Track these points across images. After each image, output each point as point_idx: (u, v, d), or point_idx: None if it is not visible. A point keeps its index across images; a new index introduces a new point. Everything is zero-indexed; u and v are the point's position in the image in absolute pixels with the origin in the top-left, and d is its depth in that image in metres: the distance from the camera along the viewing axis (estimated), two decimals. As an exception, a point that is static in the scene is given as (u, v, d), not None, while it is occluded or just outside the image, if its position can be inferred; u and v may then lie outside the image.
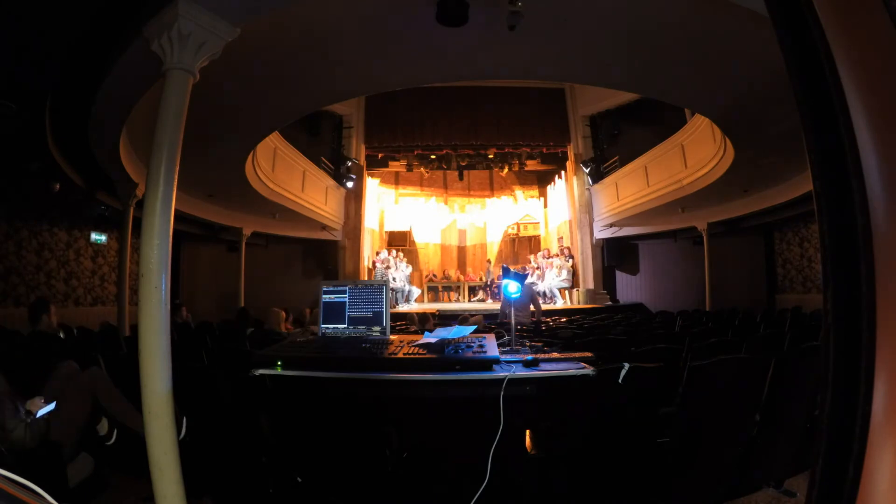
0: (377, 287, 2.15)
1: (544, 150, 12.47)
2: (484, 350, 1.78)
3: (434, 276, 13.58)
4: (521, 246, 14.25)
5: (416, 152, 12.49)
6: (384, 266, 11.20)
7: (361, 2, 3.76)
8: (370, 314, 2.12)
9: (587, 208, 11.64)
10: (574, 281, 11.25)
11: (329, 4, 3.67)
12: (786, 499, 2.33)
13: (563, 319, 6.83)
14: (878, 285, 0.50)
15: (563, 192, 12.47)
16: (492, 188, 15.25)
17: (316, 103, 6.17)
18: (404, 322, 5.57)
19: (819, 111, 0.57)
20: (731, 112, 5.60)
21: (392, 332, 2.19)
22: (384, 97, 10.21)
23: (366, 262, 12.07)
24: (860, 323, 0.51)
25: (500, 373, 1.65)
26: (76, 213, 8.18)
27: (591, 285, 11.24)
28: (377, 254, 12.20)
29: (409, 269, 12.01)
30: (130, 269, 6.64)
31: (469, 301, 12.82)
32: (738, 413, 2.16)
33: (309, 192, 9.77)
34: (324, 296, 2.17)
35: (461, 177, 14.42)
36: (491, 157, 13.00)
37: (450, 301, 12.97)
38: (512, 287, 2.32)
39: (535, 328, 5.02)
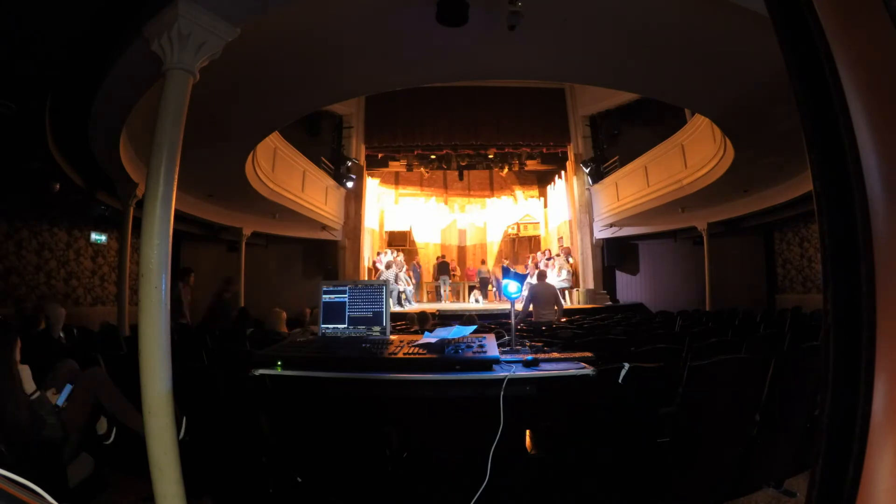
0: (377, 287, 2.15)
1: (544, 150, 12.47)
2: (484, 350, 1.78)
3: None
4: (521, 246, 14.25)
5: (416, 152, 12.49)
6: (398, 269, 11.08)
7: (361, 2, 3.76)
8: (370, 314, 2.12)
9: (587, 208, 11.64)
10: (574, 281, 11.25)
11: (329, 4, 3.67)
12: (786, 499, 2.33)
13: (563, 319, 6.82)
14: (878, 285, 0.50)
15: (563, 192, 12.47)
16: (492, 188, 15.26)
17: (316, 103, 6.18)
18: (404, 322, 5.57)
19: (819, 111, 0.57)
20: (731, 112, 5.60)
21: (392, 332, 2.19)
22: (384, 97, 10.21)
23: (366, 262, 12.07)
24: (860, 323, 0.51)
25: (500, 373, 1.65)
26: (76, 213, 8.18)
27: (591, 285, 11.24)
28: (379, 254, 12.13)
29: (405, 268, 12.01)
30: (130, 269, 6.64)
31: (469, 301, 12.82)
32: (738, 413, 2.16)
33: (309, 192, 9.77)
34: (324, 296, 2.17)
35: (461, 177, 14.43)
36: (491, 157, 13.00)
37: (449, 301, 12.96)
38: (512, 287, 2.32)
39: (535, 328, 5.02)
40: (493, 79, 7.63)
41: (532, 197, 14.70)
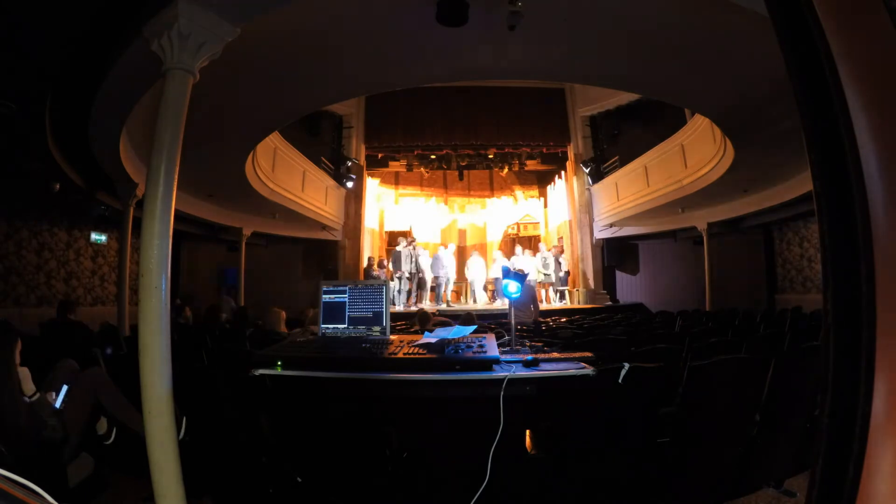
0: (377, 287, 2.15)
1: (544, 150, 12.46)
2: (484, 350, 1.78)
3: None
4: (522, 246, 14.22)
5: (416, 152, 12.48)
6: (412, 248, 10.46)
7: (361, 2, 3.76)
8: (370, 314, 2.12)
9: (587, 208, 11.63)
10: (566, 280, 11.05)
11: (329, 4, 3.67)
12: (786, 499, 2.33)
13: (563, 319, 6.83)
14: (878, 285, 0.50)
15: (563, 192, 12.47)
16: (492, 188, 15.24)
17: (316, 103, 6.18)
18: (404, 322, 5.57)
19: (819, 111, 0.57)
20: (731, 112, 5.60)
21: (392, 332, 2.19)
22: (384, 97, 10.19)
23: (366, 262, 12.06)
24: (860, 323, 0.51)
25: (500, 373, 1.65)
26: (76, 213, 8.19)
27: (591, 285, 11.23)
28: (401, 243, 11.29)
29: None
30: (130, 269, 6.65)
31: (470, 301, 12.80)
32: (738, 413, 2.16)
33: (309, 192, 9.77)
34: (324, 296, 2.17)
35: (461, 177, 14.42)
36: (491, 157, 12.99)
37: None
38: (512, 287, 2.32)
39: (535, 328, 5.02)
40: (493, 79, 7.62)
41: (532, 197, 14.69)
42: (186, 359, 2.69)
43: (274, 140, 8.05)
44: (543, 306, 10.39)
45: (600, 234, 11.47)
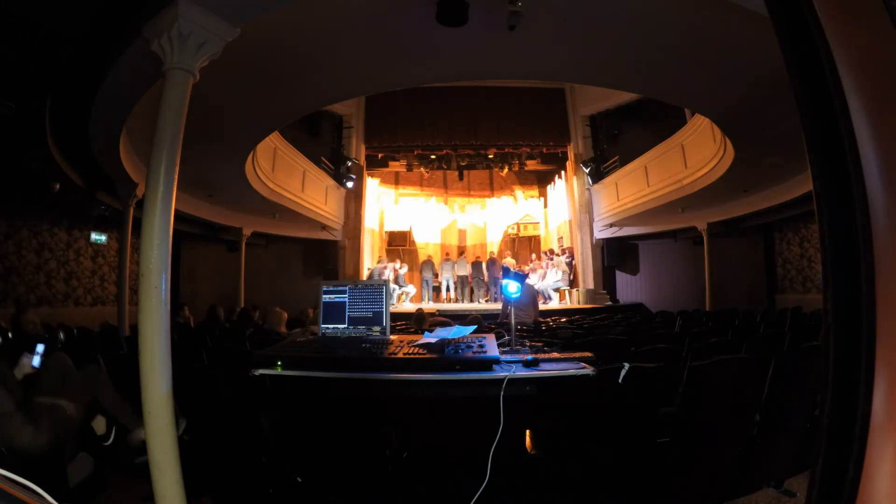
0: (377, 287, 2.15)
1: (544, 150, 12.47)
2: (484, 350, 1.78)
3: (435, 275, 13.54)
4: (521, 246, 14.24)
5: (416, 152, 12.49)
6: (393, 278, 10.98)
7: (362, 2, 3.76)
8: (370, 314, 2.12)
9: (587, 208, 11.64)
10: (574, 281, 11.25)
11: (329, 5, 3.67)
12: (786, 499, 2.33)
13: (563, 319, 6.83)
14: (878, 285, 0.50)
15: (563, 192, 12.47)
16: (492, 188, 15.24)
17: (316, 103, 6.18)
18: (404, 322, 5.57)
19: (819, 111, 0.57)
20: (731, 112, 5.61)
21: (392, 332, 2.19)
22: (384, 97, 10.20)
23: (366, 262, 12.06)
24: (860, 323, 0.51)
25: (500, 373, 1.65)
26: (76, 213, 8.19)
27: (591, 285, 11.23)
28: (380, 261, 11.89)
29: (406, 268, 11.93)
30: (130, 269, 6.65)
31: (471, 301, 12.81)
32: (738, 413, 2.16)
33: (309, 192, 9.77)
34: (324, 296, 2.17)
35: (461, 177, 14.42)
36: (491, 157, 12.99)
37: (450, 301, 12.95)
38: (512, 287, 2.32)
39: (535, 328, 5.02)
40: (493, 79, 7.63)
41: (532, 197, 14.69)
42: (186, 359, 2.69)
43: (274, 140, 8.05)
44: (552, 305, 10.49)
45: (600, 234, 11.47)
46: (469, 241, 15.00)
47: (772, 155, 6.59)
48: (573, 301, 11.04)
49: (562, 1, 3.84)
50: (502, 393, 1.61)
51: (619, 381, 1.94)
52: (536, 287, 10.65)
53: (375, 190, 13.46)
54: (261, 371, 1.76)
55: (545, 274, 11.32)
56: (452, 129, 11.66)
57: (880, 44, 0.53)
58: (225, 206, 9.23)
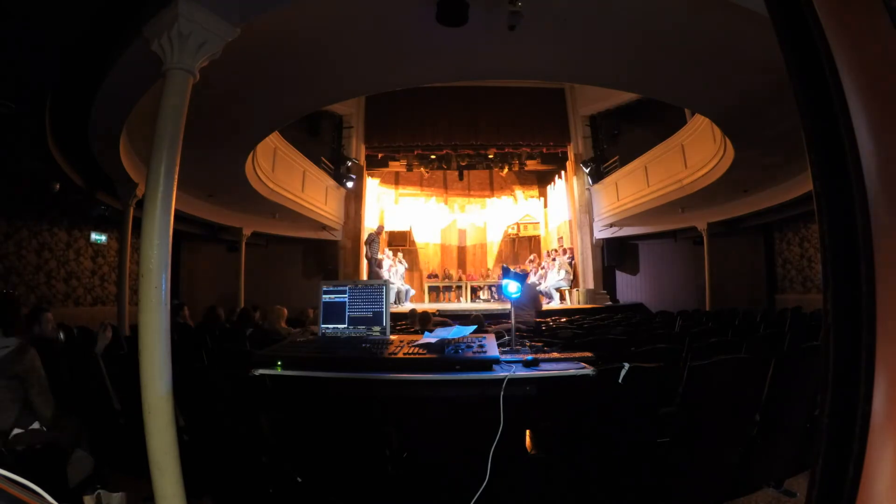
0: (377, 287, 2.15)
1: (544, 150, 12.47)
2: (484, 350, 1.78)
3: (435, 275, 13.56)
4: (521, 246, 14.24)
5: (416, 152, 12.48)
6: (389, 264, 10.96)
7: (361, 2, 3.76)
8: (370, 314, 2.12)
9: (587, 208, 11.63)
10: (574, 281, 11.27)
11: (329, 5, 3.67)
12: (786, 499, 2.33)
13: (563, 319, 6.82)
14: (878, 285, 0.50)
15: (563, 192, 12.47)
16: (492, 188, 15.24)
17: (316, 103, 6.17)
18: (404, 322, 5.57)
19: (819, 111, 0.57)
20: (731, 112, 5.60)
21: (392, 332, 2.19)
22: (384, 97, 10.20)
23: (366, 262, 12.05)
24: (860, 323, 0.51)
25: (500, 373, 1.65)
26: (76, 213, 8.18)
27: (591, 285, 11.23)
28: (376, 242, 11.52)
29: (404, 267, 11.94)
30: (130, 269, 6.65)
31: (472, 301, 12.82)
32: (738, 413, 2.16)
33: (309, 192, 9.77)
34: (324, 296, 2.17)
35: (461, 177, 14.42)
36: (491, 157, 12.99)
37: (450, 301, 12.95)
38: (512, 287, 2.32)
39: (535, 328, 5.02)
40: (493, 79, 7.62)
41: (532, 197, 14.69)
42: (186, 359, 2.69)
43: (274, 140, 8.05)
44: (554, 305, 10.51)
45: (600, 234, 11.47)
46: (469, 241, 15.01)
47: (772, 155, 6.58)
48: (573, 301, 11.05)
49: (562, 1, 3.84)
50: (502, 393, 1.61)
51: (619, 381, 1.94)
52: (541, 287, 10.69)
53: (375, 190, 13.47)
54: (261, 371, 1.76)
55: (546, 274, 11.33)
56: (452, 129, 11.65)
57: (880, 44, 0.53)
58: (225, 206, 9.23)
